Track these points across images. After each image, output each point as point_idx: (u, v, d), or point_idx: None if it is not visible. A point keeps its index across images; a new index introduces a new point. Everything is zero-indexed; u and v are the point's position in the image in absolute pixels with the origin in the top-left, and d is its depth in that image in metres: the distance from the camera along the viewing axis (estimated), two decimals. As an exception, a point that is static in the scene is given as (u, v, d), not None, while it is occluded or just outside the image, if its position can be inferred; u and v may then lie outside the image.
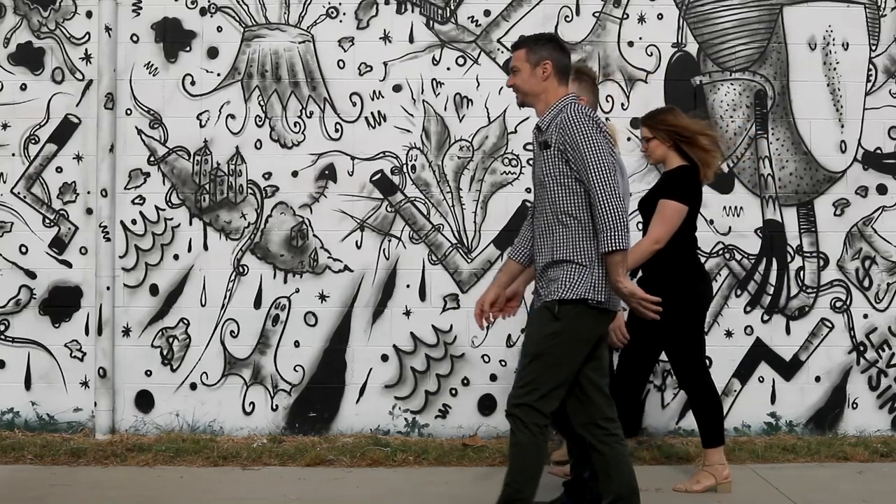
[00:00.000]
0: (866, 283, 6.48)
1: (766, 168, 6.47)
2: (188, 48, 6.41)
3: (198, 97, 6.40)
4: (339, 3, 6.43)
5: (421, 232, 6.42)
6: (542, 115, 4.15)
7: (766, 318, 6.46)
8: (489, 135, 6.44)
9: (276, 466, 5.77)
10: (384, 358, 6.40)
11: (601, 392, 4.10)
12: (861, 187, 6.50)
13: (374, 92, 6.42)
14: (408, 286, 6.41)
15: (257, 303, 6.39)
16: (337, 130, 6.42)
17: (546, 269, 4.06)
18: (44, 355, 6.36)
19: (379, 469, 5.74)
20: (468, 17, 6.44)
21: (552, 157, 4.02)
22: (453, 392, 6.41)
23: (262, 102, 6.40)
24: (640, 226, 5.25)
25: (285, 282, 6.40)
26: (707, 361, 5.45)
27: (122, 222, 6.36)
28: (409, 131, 6.43)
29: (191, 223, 6.39)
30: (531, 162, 4.78)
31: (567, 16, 6.45)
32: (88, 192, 6.37)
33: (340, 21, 6.43)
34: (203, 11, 6.40)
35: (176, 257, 6.38)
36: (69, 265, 6.37)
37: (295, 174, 6.40)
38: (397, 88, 6.43)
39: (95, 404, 6.28)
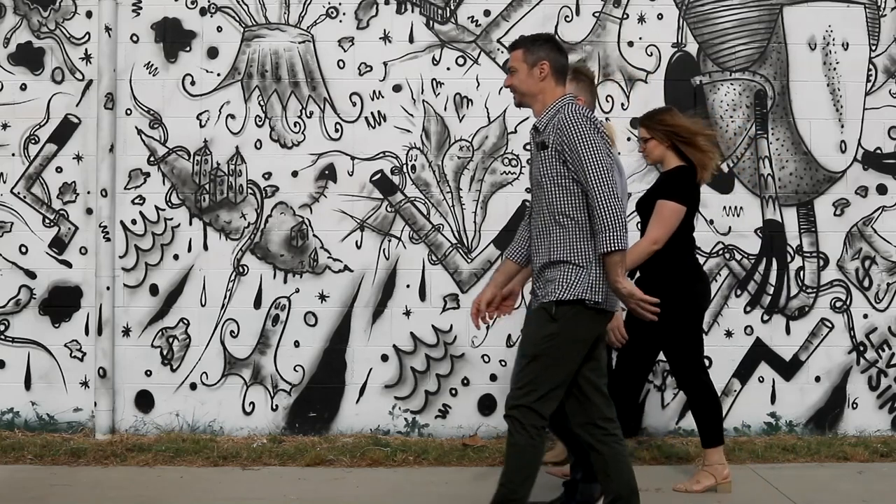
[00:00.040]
0: (866, 283, 6.47)
1: (766, 168, 6.46)
2: (188, 48, 6.41)
3: (198, 97, 6.41)
4: (339, 3, 6.43)
5: (421, 232, 6.42)
6: (539, 116, 4.14)
7: (766, 318, 6.45)
8: (489, 135, 6.44)
9: (276, 466, 5.77)
10: (384, 358, 6.40)
11: (599, 392, 4.10)
12: (861, 187, 6.49)
13: (374, 92, 6.42)
14: (408, 286, 6.41)
15: (257, 303, 6.40)
16: (337, 130, 6.42)
17: (543, 269, 4.05)
18: (44, 355, 6.36)
19: (379, 469, 5.74)
20: (468, 17, 6.44)
21: (549, 158, 4.02)
22: (453, 392, 6.41)
23: (262, 102, 6.40)
24: (639, 226, 5.25)
25: (285, 282, 6.40)
26: (707, 361, 5.45)
27: (122, 222, 6.36)
28: (409, 131, 6.43)
29: (191, 223, 6.40)
30: (530, 162, 4.77)
31: (567, 16, 6.45)
32: (88, 192, 6.38)
33: (340, 21, 6.43)
34: (203, 11, 6.40)
35: (176, 257, 6.38)
36: (69, 265, 6.38)
37: (295, 174, 6.40)
38: (397, 88, 6.43)
39: (95, 404, 6.29)
